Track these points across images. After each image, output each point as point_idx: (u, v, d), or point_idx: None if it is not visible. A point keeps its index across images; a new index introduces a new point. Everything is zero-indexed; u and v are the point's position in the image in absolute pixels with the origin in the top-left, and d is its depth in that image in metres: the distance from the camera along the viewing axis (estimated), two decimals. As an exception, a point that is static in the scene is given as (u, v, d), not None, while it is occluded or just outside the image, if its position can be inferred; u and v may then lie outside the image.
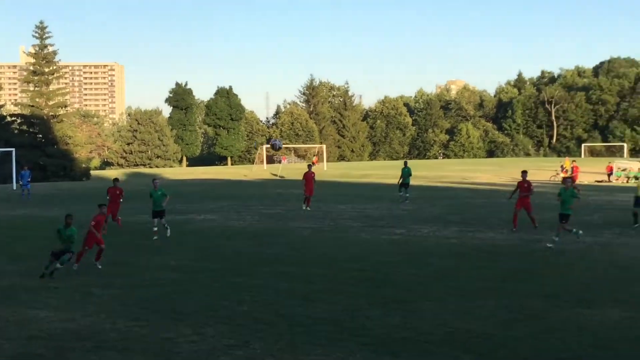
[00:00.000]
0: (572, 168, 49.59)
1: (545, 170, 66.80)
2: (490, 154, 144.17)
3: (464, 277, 15.27)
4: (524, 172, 24.41)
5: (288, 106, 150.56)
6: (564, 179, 20.03)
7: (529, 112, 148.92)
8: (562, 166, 60.71)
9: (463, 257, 18.19)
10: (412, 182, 37.45)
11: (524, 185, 23.72)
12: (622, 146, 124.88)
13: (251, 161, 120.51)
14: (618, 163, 71.32)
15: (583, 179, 62.70)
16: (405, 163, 38.27)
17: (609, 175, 64.92)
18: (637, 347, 9.85)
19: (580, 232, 19.96)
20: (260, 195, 43.72)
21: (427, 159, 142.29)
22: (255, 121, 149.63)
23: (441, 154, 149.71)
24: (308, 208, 31.94)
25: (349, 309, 12.20)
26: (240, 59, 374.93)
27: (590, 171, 69.74)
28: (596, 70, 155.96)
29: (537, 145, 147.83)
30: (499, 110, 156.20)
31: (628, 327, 10.99)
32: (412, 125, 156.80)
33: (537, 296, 13.21)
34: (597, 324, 11.13)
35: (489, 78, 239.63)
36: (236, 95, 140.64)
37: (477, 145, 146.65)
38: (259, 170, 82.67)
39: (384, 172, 69.29)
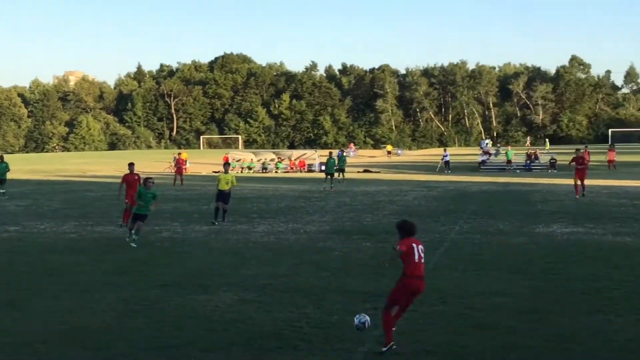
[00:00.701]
0: (178, 160, 51.72)
1: (163, 162, 68.05)
2: (112, 146, 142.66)
3: (82, 272, 14.91)
4: (131, 165, 23.85)
5: None
6: (145, 179, 19.77)
7: (149, 105, 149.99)
8: (174, 157, 62.04)
9: (82, 252, 17.76)
10: (28, 176, 35.67)
11: (134, 178, 22.92)
12: (237, 138, 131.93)
13: None
14: (233, 154, 75.26)
15: (201, 169, 65.02)
16: (2, 158, 36.35)
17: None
18: (247, 329, 10.42)
19: (134, 243, 18.70)
20: None
21: (46, 152, 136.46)
22: None
23: (60, 147, 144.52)
24: None
25: (-47, 315, 11.20)
26: None
27: (208, 162, 72.54)
28: (212, 65, 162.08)
29: (159, 138, 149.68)
30: (120, 103, 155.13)
31: (239, 309, 11.60)
32: (28, 117, 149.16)
33: (155, 286, 13.35)
34: (212, 309, 11.57)
35: (108, 70, 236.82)
36: None
37: (99, 138, 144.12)
38: None
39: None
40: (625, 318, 10.69)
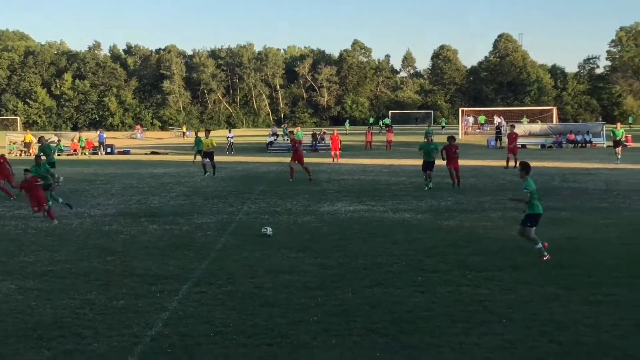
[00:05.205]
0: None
1: None
2: None
3: None
4: None
5: None
6: None
7: None
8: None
9: None
10: None
11: None
12: (16, 119, 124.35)
13: None
14: (10, 137, 70.99)
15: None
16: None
17: None
18: (26, 319, 9.87)
19: None
20: None
21: None
22: None
23: None
24: None
25: None
26: None
27: (-18, 145, 67.90)
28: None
29: None
30: None
31: (17, 299, 10.95)
32: None
33: None
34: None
35: None
36: None
37: None
38: None
39: None
40: (403, 290, 11.22)
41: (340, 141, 51.53)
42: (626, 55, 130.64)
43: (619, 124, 46.00)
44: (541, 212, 13.52)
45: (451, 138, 27.22)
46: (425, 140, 27.29)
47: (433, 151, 26.51)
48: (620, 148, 39.66)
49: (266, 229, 16.47)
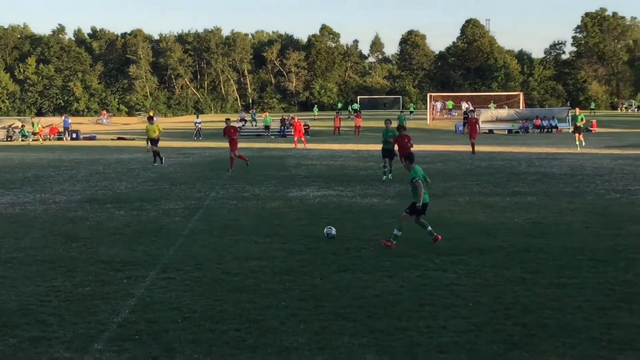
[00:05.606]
0: None
1: None
2: None
3: None
4: None
5: None
6: None
7: None
8: None
9: None
10: None
11: None
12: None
13: None
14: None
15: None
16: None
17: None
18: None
19: None
20: None
21: None
22: None
23: None
24: None
25: None
26: None
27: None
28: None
29: None
30: None
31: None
32: None
33: None
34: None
35: None
36: None
37: None
38: None
39: None
40: (372, 275, 11.25)
41: (308, 126, 51.48)
42: (591, 41, 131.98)
43: (577, 109, 46.60)
44: (427, 201, 13.55)
45: (401, 128, 26.23)
46: (385, 127, 26.34)
47: (391, 138, 25.34)
48: (581, 135, 39.79)
49: (330, 228, 14.57)
